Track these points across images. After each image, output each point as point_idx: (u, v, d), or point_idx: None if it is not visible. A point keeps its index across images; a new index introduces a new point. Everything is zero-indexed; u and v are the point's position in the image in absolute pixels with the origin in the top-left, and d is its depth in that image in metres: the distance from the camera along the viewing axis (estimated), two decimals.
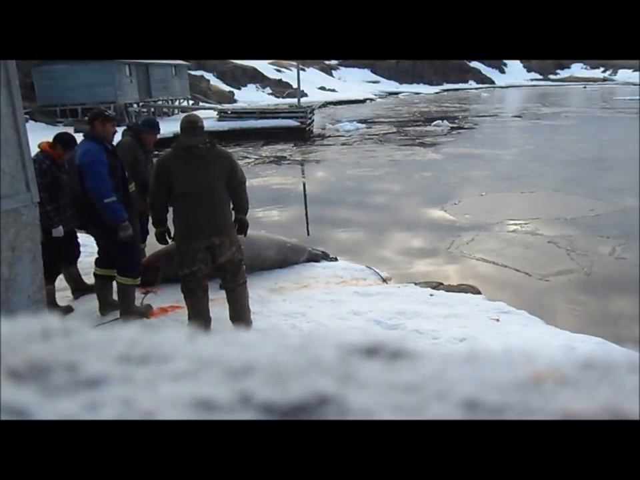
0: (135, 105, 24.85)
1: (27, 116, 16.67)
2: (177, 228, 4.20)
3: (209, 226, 4.08)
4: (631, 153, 13.67)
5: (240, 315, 4.32)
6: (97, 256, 4.84)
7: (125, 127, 5.60)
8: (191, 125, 4.10)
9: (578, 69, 79.67)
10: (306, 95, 38.02)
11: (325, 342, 0.37)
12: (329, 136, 21.69)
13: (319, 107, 28.01)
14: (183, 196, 4.04)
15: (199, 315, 4.27)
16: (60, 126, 21.06)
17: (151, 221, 4.52)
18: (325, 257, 6.31)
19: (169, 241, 4.40)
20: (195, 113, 5.43)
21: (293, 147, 18.92)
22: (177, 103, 29.05)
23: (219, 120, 22.46)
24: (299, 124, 21.55)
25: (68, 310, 4.86)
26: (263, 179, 13.07)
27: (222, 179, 4.11)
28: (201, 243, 4.10)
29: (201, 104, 30.12)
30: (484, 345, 0.39)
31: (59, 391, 0.31)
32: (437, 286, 5.61)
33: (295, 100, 27.91)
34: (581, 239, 7.64)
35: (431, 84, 61.96)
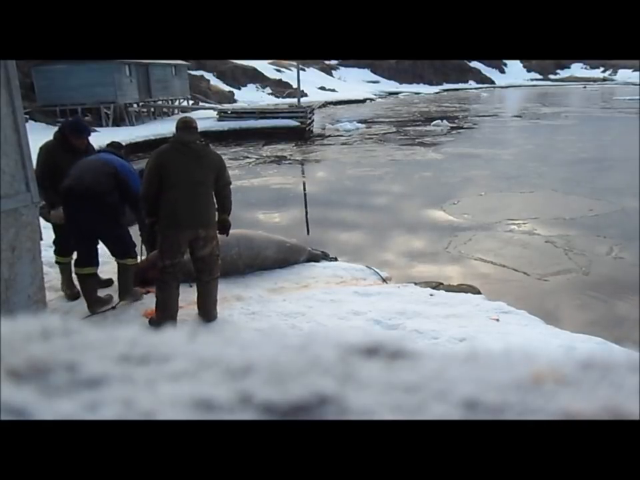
0: (135, 105, 24.83)
1: (27, 116, 16.64)
2: (165, 218, 4.32)
3: (198, 217, 4.31)
4: (631, 153, 13.67)
5: (210, 308, 4.60)
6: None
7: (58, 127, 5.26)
8: (187, 125, 4.45)
9: (578, 69, 79.68)
10: (306, 95, 38.00)
11: (325, 342, 0.37)
12: (329, 136, 21.68)
13: (319, 107, 28.01)
14: (175, 186, 4.23)
15: (169, 307, 4.42)
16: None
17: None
18: (324, 256, 6.31)
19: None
20: (190, 115, 5.55)
21: (293, 146, 18.91)
22: (176, 103, 29.00)
23: (218, 120, 22.45)
24: (298, 124, 21.54)
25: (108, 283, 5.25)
26: (264, 179, 13.06)
27: (212, 175, 4.38)
28: (188, 234, 4.30)
29: (201, 104, 30.09)
30: (484, 345, 0.39)
31: (59, 391, 0.31)
32: (437, 286, 5.61)
33: (295, 100, 27.91)
34: (579, 239, 7.64)
35: (431, 84, 61.95)
